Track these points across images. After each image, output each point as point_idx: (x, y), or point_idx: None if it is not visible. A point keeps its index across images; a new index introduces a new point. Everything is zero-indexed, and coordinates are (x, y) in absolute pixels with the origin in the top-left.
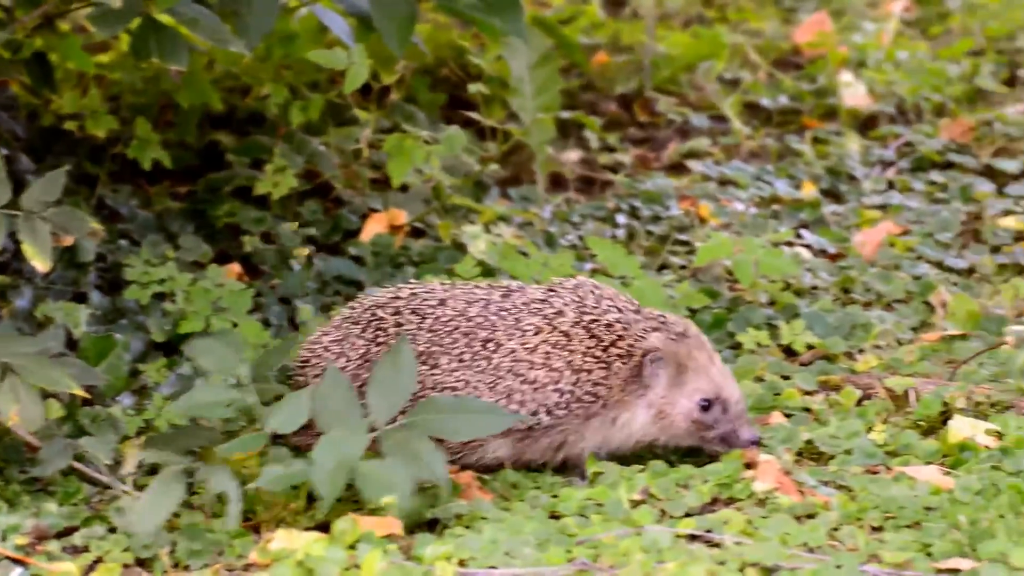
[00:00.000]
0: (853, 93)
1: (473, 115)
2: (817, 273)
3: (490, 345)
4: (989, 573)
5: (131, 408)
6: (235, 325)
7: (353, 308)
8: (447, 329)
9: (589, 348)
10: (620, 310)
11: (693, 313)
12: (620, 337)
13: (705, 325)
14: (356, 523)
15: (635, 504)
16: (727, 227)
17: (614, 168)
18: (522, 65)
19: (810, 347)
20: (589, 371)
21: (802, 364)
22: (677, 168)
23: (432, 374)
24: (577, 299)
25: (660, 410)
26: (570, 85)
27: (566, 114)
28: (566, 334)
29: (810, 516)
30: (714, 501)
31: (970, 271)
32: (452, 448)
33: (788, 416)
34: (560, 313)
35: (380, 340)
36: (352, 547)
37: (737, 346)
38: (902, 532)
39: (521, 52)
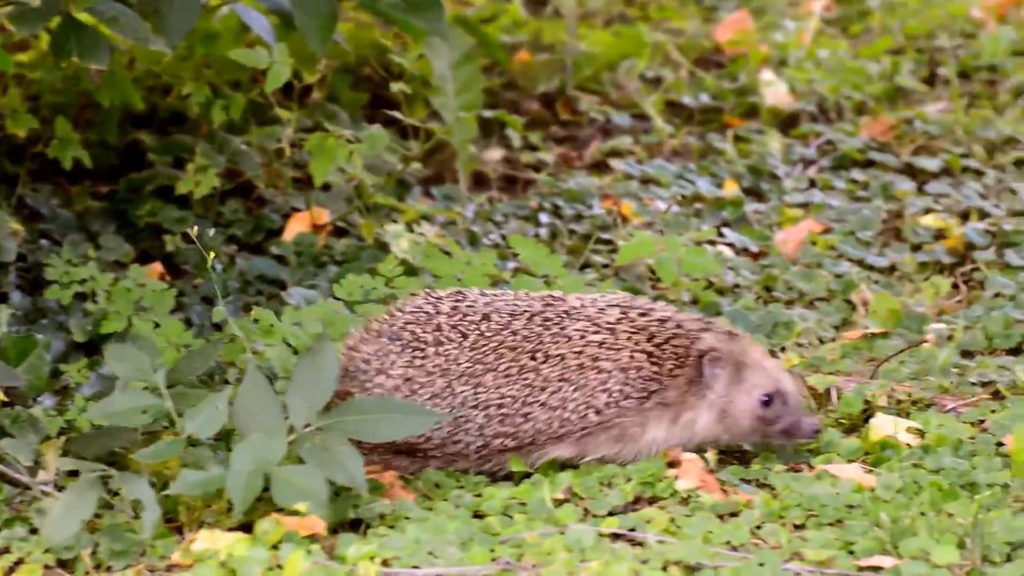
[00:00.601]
0: (774, 92)
1: (395, 114)
2: (739, 271)
3: (538, 356)
4: (910, 570)
5: (52, 409)
6: (157, 325)
7: (393, 321)
8: (492, 346)
9: (638, 343)
10: (665, 309)
11: None
12: (674, 335)
13: None
14: (279, 523)
15: (558, 503)
16: (649, 226)
17: (536, 167)
18: (444, 64)
19: None
20: (639, 368)
21: None
22: (599, 167)
23: (476, 393)
24: (620, 302)
25: (723, 409)
26: (492, 84)
27: (488, 113)
28: (612, 332)
29: (733, 514)
30: (637, 500)
31: (891, 269)
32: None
33: None
34: (604, 312)
35: (418, 362)
36: (275, 547)
37: None
38: (824, 530)
39: (443, 51)
